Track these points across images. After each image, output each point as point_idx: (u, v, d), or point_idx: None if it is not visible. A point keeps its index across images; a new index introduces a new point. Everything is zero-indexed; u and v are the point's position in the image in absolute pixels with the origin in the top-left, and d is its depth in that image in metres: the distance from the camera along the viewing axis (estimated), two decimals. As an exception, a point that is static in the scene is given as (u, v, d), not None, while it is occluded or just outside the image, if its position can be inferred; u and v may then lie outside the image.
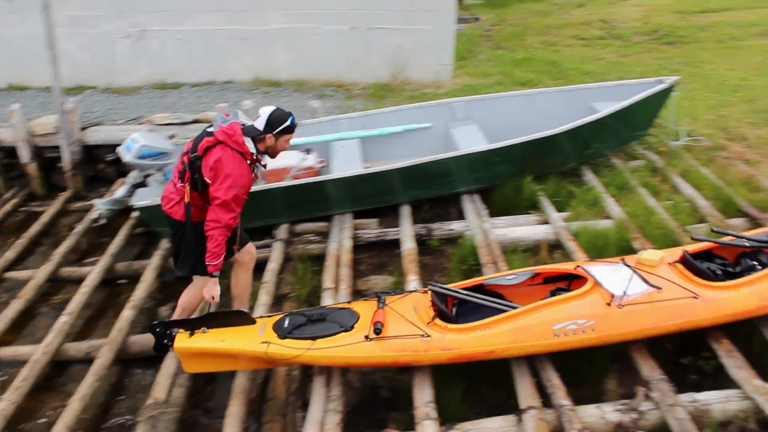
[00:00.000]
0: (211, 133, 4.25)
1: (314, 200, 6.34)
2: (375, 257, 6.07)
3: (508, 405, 4.19)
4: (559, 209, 6.24)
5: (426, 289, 4.55)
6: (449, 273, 5.59)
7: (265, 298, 5.29)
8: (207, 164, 4.18)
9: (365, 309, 4.36)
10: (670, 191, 6.57)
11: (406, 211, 6.39)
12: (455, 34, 10.77)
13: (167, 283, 6.03)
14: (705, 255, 4.85)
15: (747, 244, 4.80)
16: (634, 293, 4.23)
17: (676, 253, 4.72)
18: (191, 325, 4.19)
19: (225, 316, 4.28)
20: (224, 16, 10.35)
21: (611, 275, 4.41)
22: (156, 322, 4.24)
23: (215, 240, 4.19)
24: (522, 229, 5.98)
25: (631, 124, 7.06)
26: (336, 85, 10.25)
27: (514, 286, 4.65)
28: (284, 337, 4.12)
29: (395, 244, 5.99)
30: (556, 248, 5.72)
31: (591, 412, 3.96)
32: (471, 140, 6.76)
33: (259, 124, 4.25)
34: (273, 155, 4.43)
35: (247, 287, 4.98)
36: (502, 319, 4.14)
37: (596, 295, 4.26)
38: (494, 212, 6.31)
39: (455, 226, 6.15)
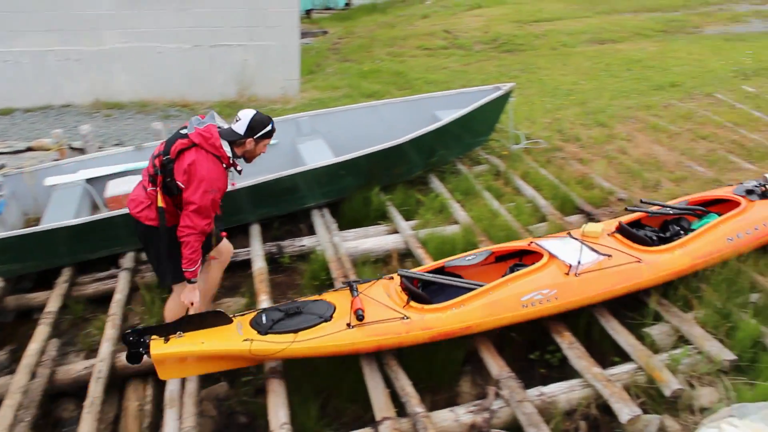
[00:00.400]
0: (185, 135, 4.10)
1: (161, 225, 6.11)
2: (227, 279, 5.89)
3: (365, 418, 4.20)
4: (408, 218, 6.33)
5: (392, 275, 4.72)
6: (302, 290, 5.53)
7: (111, 331, 5.01)
8: (180, 168, 4.05)
9: (338, 299, 4.44)
10: (512, 193, 6.84)
11: (255, 230, 6.26)
12: (300, 49, 10.76)
13: (4, 325, 5.60)
14: (636, 225, 5.38)
15: (671, 211, 5.48)
16: (587, 262, 4.67)
17: (613, 224, 5.24)
18: (165, 331, 4.01)
19: (201, 317, 4.11)
20: (56, 36, 9.82)
21: (563, 248, 4.82)
22: (129, 330, 3.97)
23: (191, 246, 4.11)
24: (372, 240, 6.01)
25: (473, 131, 7.28)
26: (181, 104, 9.98)
27: (473, 266, 4.94)
28: (266, 333, 4.11)
29: (247, 264, 5.87)
30: (406, 257, 5.80)
31: (445, 417, 4.03)
32: (318, 155, 6.74)
33: (239, 127, 4.16)
34: (250, 160, 4.35)
35: (215, 283, 4.92)
36: (474, 296, 4.41)
37: (554, 266, 4.65)
38: (344, 225, 6.31)
39: (306, 241, 6.10)
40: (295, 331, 4.13)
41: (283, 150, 7.15)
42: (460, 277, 4.83)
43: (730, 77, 10.54)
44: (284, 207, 6.45)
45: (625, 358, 4.53)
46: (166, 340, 3.97)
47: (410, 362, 4.46)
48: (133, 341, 3.98)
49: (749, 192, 5.53)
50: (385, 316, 4.28)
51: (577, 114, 8.93)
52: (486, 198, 6.59)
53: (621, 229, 5.09)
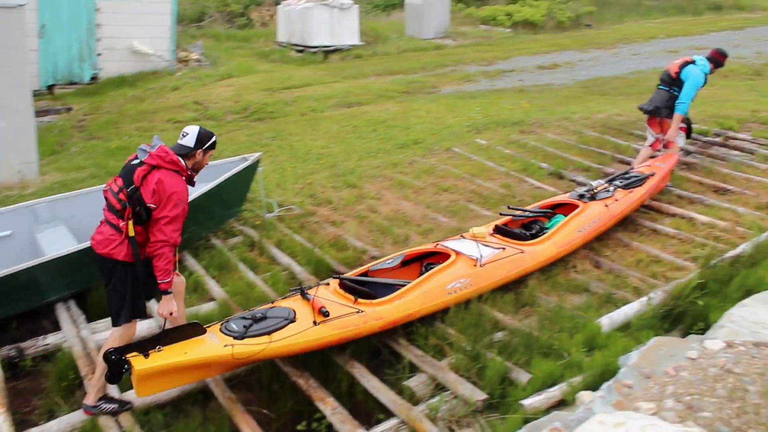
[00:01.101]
0: (141, 163, 4.48)
1: None
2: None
3: None
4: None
5: (327, 281, 5.56)
6: (49, 394, 5.07)
7: None
8: (148, 191, 4.40)
9: (293, 304, 5.07)
10: (268, 263, 6.84)
11: (-11, 334, 5.68)
12: (39, 128, 10.09)
13: None
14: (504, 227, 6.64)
15: (530, 214, 7.06)
16: (487, 255, 5.90)
17: (490, 226, 6.58)
18: (143, 347, 4.23)
19: (177, 331, 4.43)
20: None
21: (464, 246, 6.00)
22: (111, 350, 4.18)
23: (165, 257, 4.44)
24: (124, 328, 5.68)
25: (224, 203, 7.23)
26: None
27: (391, 268, 5.98)
28: (243, 338, 4.55)
29: (-19, 374, 5.27)
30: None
31: None
32: (59, 243, 6.29)
33: (189, 141, 4.62)
34: (198, 171, 4.79)
35: (182, 315, 5.02)
36: (409, 288, 5.40)
37: (463, 261, 5.81)
38: (94, 316, 5.88)
39: (51, 339, 5.61)
40: (269, 333, 4.63)
41: (19, 241, 6.59)
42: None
43: (465, 132, 11.42)
44: (23, 304, 5.91)
45: (389, 414, 4.65)
46: (146, 355, 4.17)
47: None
48: (115, 360, 4.14)
49: (581, 196, 7.24)
50: (341, 312, 4.97)
51: (328, 177, 9.19)
52: (242, 270, 6.53)
53: (499, 230, 6.49)
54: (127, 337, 4.72)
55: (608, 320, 5.52)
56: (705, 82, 8.59)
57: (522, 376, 4.84)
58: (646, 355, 4.26)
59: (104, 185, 4.78)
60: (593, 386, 4.26)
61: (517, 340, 5.24)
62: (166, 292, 4.54)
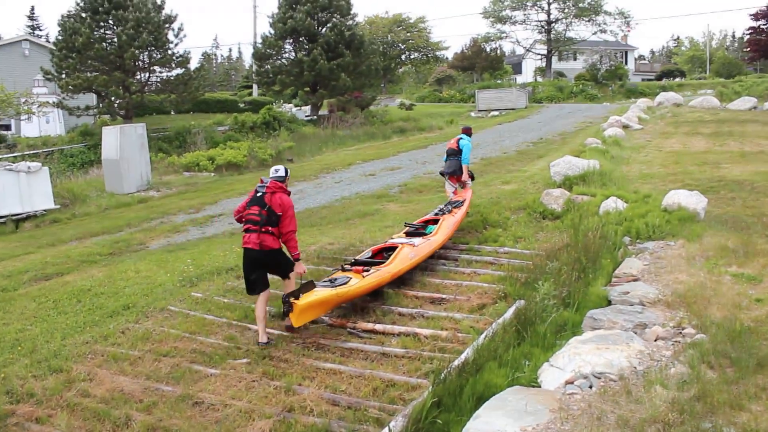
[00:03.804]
0: (264, 192, 8.36)
1: None
2: None
3: None
4: None
5: (346, 265, 9.65)
6: None
7: None
8: (275, 204, 8.28)
9: (342, 273, 9.25)
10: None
11: None
12: None
13: None
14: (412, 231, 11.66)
15: (418, 226, 11.84)
16: (417, 242, 10.66)
17: (402, 232, 11.60)
18: (296, 294, 7.93)
19: (304, 286, 8.12)
20: None
21: (402, 240, 10.73)
22: (284, 296, 8.02)
23: (295, 240, 8.46)
24: None
25: None
26: None
27: (369, 257, 10.41)
28: (337, 286, 8.52)
29: None
30: None
31: None
32: None
33: (281, 173, 8.68)
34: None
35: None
36: (393, 258, 9.87)
37: (407, 246, 10.34)
38: None
39: None
40: (345, 284, 8.62)
41: None
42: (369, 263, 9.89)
43: (179, 287, 10.88)
44: None
45: None
46: (298, 298, 7.90)
47: None
48: (286, 301, 7.89)
49: (438, 213, 12.57)
50: (372, 270, 9.28)
51: (27, 366, 8.00)
52: None
53: (409, 233, 11.37)
54: (290, 287, 8.54)
55: (353, 462, 5.32)
56: (471, 146, 14.32)
57: None
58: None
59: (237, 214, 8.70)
60: None
61: None
62: (298, 259, 8.57)
